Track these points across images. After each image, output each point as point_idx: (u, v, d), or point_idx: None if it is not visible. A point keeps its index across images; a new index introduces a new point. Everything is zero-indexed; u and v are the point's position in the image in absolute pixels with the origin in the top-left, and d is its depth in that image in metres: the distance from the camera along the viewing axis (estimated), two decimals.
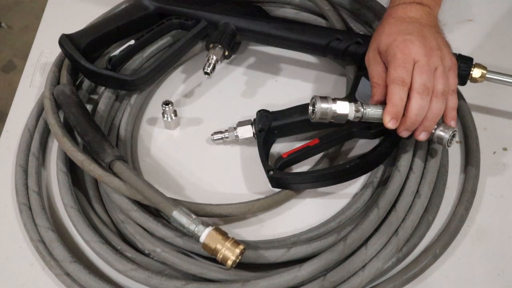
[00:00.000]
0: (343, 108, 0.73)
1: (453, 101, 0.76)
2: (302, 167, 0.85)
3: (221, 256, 0.69)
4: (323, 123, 0.75)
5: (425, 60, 0.72)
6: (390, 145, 0.79)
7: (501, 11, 1.05)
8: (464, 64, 0.84)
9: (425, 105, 0.72)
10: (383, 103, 0.75)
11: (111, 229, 0.79)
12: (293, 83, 0.97)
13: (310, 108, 0.75)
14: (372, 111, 0.73)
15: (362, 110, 0.73)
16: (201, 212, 0.76)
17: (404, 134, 0.74)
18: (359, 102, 0.74)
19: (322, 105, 0.73)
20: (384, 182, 0.80)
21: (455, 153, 0.86)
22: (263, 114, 0.85)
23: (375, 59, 0.78)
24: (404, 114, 0.73)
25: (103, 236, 0.77)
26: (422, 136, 0.74)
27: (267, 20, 0.94)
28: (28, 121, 0.90)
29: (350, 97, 0.84)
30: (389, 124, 0.72)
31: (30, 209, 0.80)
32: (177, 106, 0.94)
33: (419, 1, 0.79)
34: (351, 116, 0.73)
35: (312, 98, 0.74)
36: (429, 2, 0.80)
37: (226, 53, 0.92)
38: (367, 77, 0.80)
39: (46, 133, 0.90)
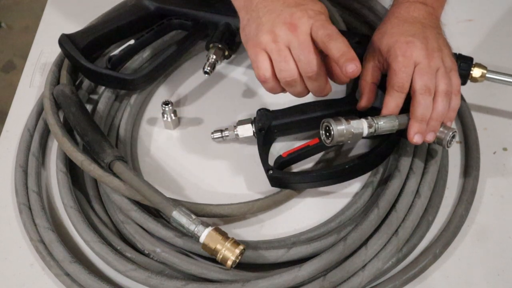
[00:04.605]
0: (359, 126, 0.72)
1: (455, 102, 0.76)
2: (302, 166, 0.85)
3: (221, 256, 0.69)
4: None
5: (426, 62, 0.73)
6: (389, 145, 0.79)
7: (501, 11, 1.05)
8: (464, 64, 0.84)
9: (428, 105, 0.73)
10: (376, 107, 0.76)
11: (111, 229, 0.79)
12: None
13: (322, 132, 0.74)
14: (384, 124, 0.74)
15: (375, 124, 0.73)
16: (201, 212, 0.76)
17: (416, 138, 0.73)
18: (369, 117, 0.73)
19: (338, 128, 0.71)
20: (384, 182, 0.80)
21: (455, 153, 0.86)
22: (263, 113, 0.85)
23: (372, 55, 0.79)
24: (410, 118, 0.74)
25: (103, 236, 0.77)
26: (429, 137, 0.74)
27: None
28: (28, 121, 0.90)
29: (350, 97, 0.84)
30: None
31: (30, 209, 0.80)
32: (177, 106, 0.94)
33: (423, 1, 0.79)
34: (365, 132, 0.73)
35: (323, 122, 0.73)
36: (433, 2, 0.80)
37: (226, 53, 0.92)
38: None
39: (46, 133, 0.90)
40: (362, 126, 0.73)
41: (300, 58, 0.71)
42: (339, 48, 0.69)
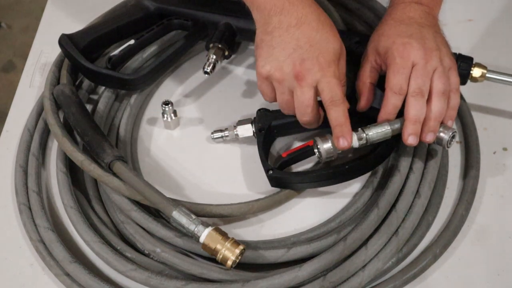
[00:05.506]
0: None
1: (455, 101, 0.76)
2: (302, 166, 0.85)
3: (221, 256, 0.69)
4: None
5: (423, 62, 0.73)
6: (390, 145, 0.79)
7: (501, 11, 1.05)
8: (464, 64, 0.84)
9: (421, 106, 0.73)
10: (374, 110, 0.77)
11: (111, 229, 0.79)
12: None
13: (315, 150, 0.77)
14: (375, 134, 0.75)
15: (365, 135, 0.75)
16: (201, 213, 0.76)
17: (410, 140, 0.74)
18: (359, 129, 0.75)
19: (325, 146, 0.76)
20: (384, 182, 0.80)
21: (455, 153, 0.86)
22: (263, 113, 0.85)
23: (370, 57, 0.79)
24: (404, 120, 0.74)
25: (103, 236, 0.77)
26: (429, 138, 0.74)
27: None
28: (28, 121, 0.90)
29: (350, 98, 0.84)
30: None
31: (30, 209, 0.80)
32: (177, 106, 0.94)
33: (418, 1, 0.79)
34: (356, 145, 0.75)
35: (314, 141, 0.77)
36: (429, 1, 0.80)
37: (226, 53, 0.92)
38: None
39: (46, 133, 0.90)
40: None
41: (298, 106, 0.76)
42: (337, 118, 0.74)
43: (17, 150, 0.87)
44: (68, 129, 0.84)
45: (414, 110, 0.73)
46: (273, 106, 0.85)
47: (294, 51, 0.73)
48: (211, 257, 0.72)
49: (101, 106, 0.90)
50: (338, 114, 0.74)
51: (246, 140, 0.87)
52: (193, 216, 0.71)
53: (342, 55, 0.77)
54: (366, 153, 0.80)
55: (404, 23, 0.77)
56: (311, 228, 0.79)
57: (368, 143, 0.75)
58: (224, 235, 0.70)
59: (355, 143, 0.74)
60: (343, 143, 0.74)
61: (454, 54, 0.83)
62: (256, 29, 0.77)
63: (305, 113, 0.76)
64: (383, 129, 0.75)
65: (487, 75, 0.84)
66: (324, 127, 0.80)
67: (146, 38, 0.94)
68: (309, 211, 0.81)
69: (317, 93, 0.75)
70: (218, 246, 0.69)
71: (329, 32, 0.74)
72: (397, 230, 0.74)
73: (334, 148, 0.75)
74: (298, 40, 0.73)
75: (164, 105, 0.89)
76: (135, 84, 0.90)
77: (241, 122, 0.86)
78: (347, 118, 0.74)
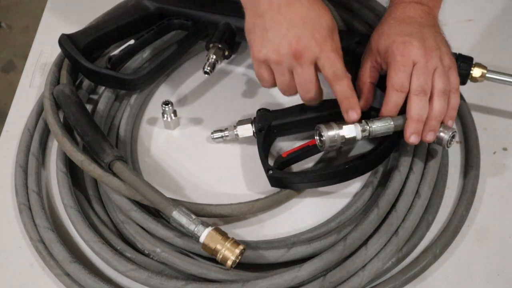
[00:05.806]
0: (351, 131, 0.74)
1: (455, 101, 0.76)
2: (302, 166, 0.85)
3: (221, 256, 0.69)
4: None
5: (424, 61, 0.73)
6: (390, 145, 0.79)
7: (501, 11, 1.05)
8: (464, 64, 0.84)
9: (424, 105, 0.73)
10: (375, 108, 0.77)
11: (111, 229, 0.79)
12: None
13: (317, 138, 0.76)
14: (378, 127, 0.75)
15: (368, 128, 0.74)
16: (201, 212, 0.76)
17: (412, 139, 0.74)
18: (363, 121, 0.75)
19: (329, 133, 0.74)
20: (384, 182, 0.80)
21: (455, 153, 0.86)
22: (263, 113, 0.85)
23: (370, 56, 0.79)
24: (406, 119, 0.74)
25: (103, 236, 0.77)
26: (429, 137, 0.74)
27: None
28: (28, 121, 0.90)
29: None
30: None
31: (30, 209, 0.80)
32: (177, 106, 0.94)
33: (418, 1, 0.80)
34: (359, 137, 0.74)
35: (316, 129, 0.76)
36: (429, 1, 0.80)
37: (226, 53, 0.92)
38: None
39: (46, 133, 0.90)
40: (354, 130, 0.74)
41: (301, 84, 0.74)
42: (343, 92, 0.73)
43: (17, 150, 0.87)
44: (68, 129, 0.84)
45: (417, 108, 0.73)
46: (273, 106, 0.85)
47: (288, 31, 0.72)
48: (211, 257, 0.72)
49: (101, 106, 0.90)
50: (343, 88, 0.73)
51: (246, 140, 0.87)
52: (193, 216, 0.71)
53: (335, 29, 0.75)
54: (366, 152, 0.80)
55: (404, 22, 0.78)
56: (311, 228, 0.79)
57: (370, 136, 0.75)
58: (224, 235, 0.70)
59: (358, 134, 0.74)
60: (352, 115, 0.73)
61: (454, 54, 0.83)
62: (245, 14, 0.76)
63: (309, 90, 0.75)
64: (386, 123, 0.75)
65: (487, 75, 0.84)
66: (323, 121, 0.80)
67: (146, 38, 0.94)
68: (309, 211, 0.81)
69: (317, 69, 0.74)
70: (218, 246, 0.69)
71: (321, 8, 0.74)
72: (397, 230, 0.74)
73: (338, 136, 0.74)
74: (291, 19, 0.72)
75: (164, 105, 0.89)
76: (135, 84, 0.90)
77: (241, 122, 0.86)
78: (352, 90, 0.73)
